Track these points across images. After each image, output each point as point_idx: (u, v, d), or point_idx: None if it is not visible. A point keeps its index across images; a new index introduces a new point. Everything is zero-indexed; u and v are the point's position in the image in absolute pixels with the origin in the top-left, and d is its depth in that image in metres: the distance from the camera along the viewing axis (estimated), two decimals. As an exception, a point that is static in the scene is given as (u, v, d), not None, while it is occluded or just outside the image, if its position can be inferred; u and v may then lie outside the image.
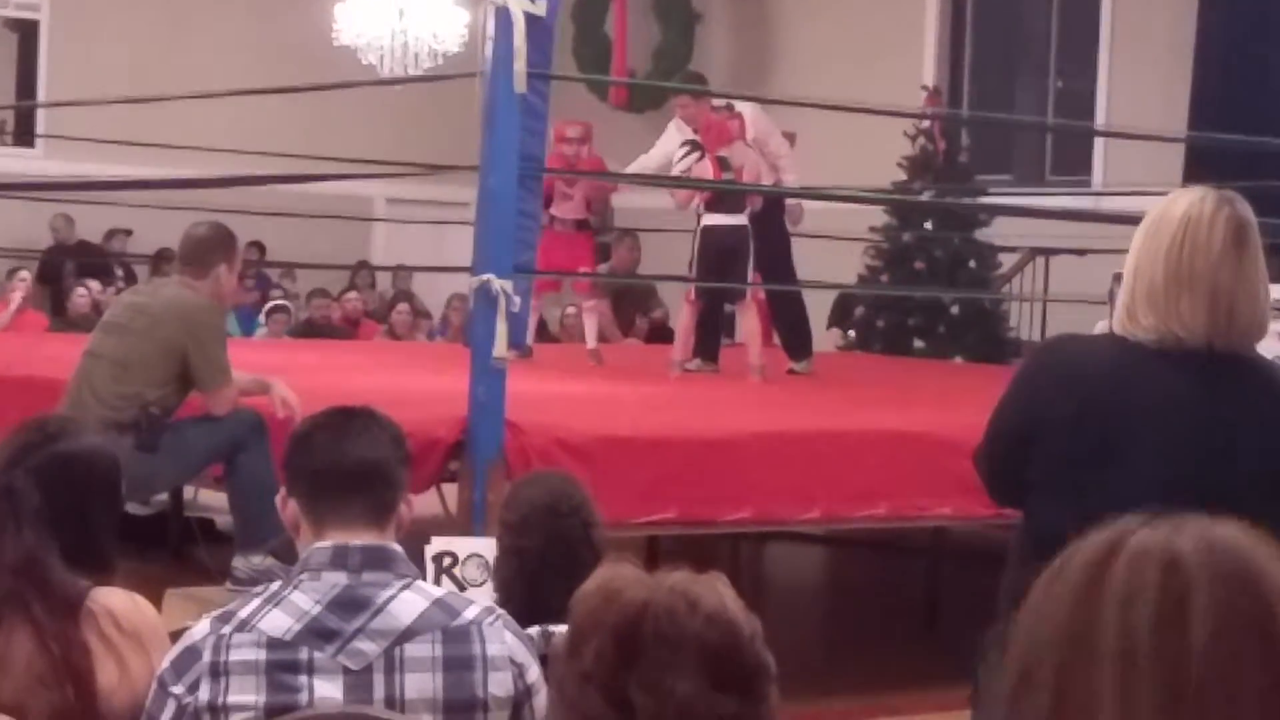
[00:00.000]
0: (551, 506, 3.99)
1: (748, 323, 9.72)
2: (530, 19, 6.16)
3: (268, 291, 16.21)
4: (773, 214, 9.75)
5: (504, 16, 6.14)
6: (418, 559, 4.21)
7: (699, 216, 9.39)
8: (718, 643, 2.07)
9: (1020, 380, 3.39)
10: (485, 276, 6.16)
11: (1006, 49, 16.57)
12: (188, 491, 8.46)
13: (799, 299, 10.22)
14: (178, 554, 8.25)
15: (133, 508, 8.19)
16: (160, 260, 14.32)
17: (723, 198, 9.27)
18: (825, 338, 14.27)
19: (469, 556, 5.26)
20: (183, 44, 16.93)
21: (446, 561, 5.25)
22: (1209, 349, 3.21)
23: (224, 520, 7.95)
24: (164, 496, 8.38)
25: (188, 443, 6.71)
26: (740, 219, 9.29)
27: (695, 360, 9.83)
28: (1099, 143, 15.20)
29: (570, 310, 14.58)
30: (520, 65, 6.07)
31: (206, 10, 17.38)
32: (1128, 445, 3.20)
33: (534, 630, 3.52)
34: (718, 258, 9.26)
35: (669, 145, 9.91)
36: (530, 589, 3.87)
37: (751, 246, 9.26)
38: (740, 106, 9.62)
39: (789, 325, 10.20)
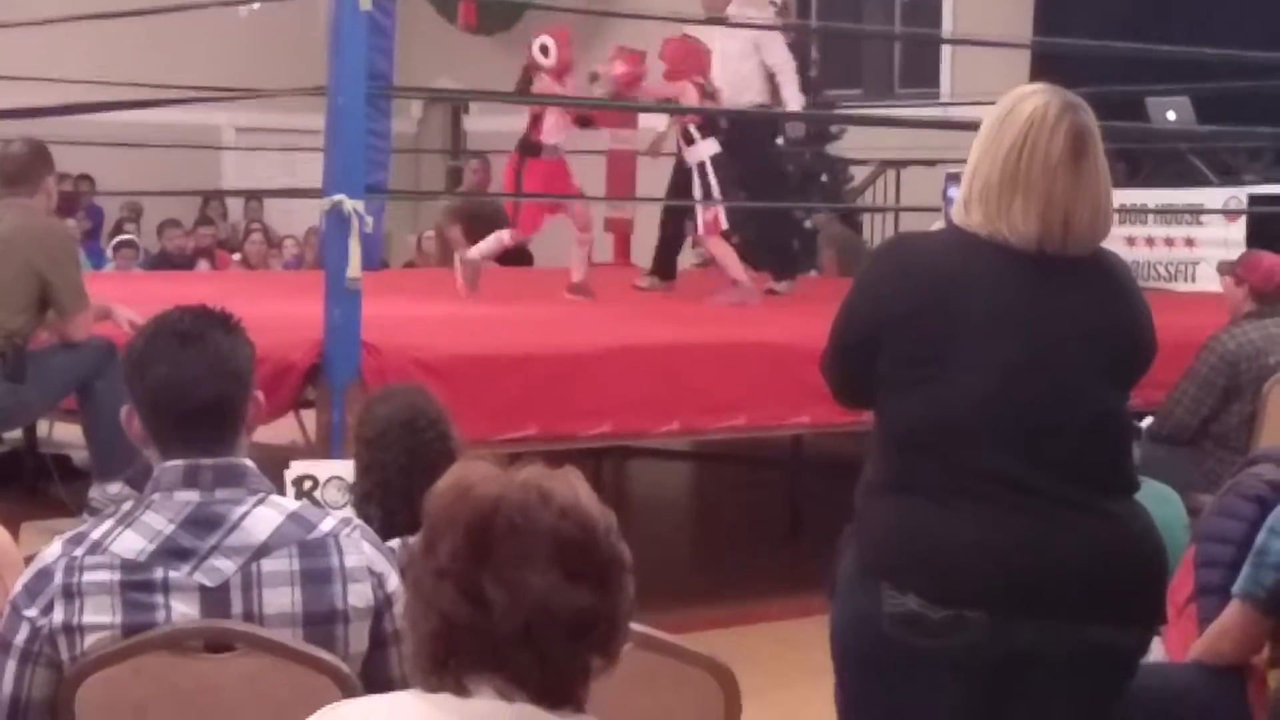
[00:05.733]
0: (409, 421, 3.98)
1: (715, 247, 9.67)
2: (374, -65, 6.11)
3: (100, 223, 15.89)
4: (753, 133, 9.75)
5: (347, -68, 6.08)
6: (278, 484, 4.18)
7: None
8: (571, 535, 2.07)
9: (862, 282, 3.40)
10: (337, 197, 6.12)
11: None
12: (41, 427, 8.36)
13: (783, 219, 10.20)
14: (33, 490, 8.16)
15: (-14, 445, 8.10)
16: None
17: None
18: (685, 255, 14.28)
19: (329, 479, 5.22)
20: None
21: (307, 485, 5.21)
22: (1040, 252, 3.24)
23: (79, 456, 7.86)
24: (18, 433, 8.27)
25: (51, 371, 6.63)
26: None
27: (652, 278, 9.93)
28: (946, 54, 15.30)
29: (428, 234, 14.40)
30: (365, -19, 6.02)
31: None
32: (969, 336, 3.22)
33: (394, 542, 3.52)
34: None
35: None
36: (390, 504, 3.87)
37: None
38: (749, 10, 9.76)
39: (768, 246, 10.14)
